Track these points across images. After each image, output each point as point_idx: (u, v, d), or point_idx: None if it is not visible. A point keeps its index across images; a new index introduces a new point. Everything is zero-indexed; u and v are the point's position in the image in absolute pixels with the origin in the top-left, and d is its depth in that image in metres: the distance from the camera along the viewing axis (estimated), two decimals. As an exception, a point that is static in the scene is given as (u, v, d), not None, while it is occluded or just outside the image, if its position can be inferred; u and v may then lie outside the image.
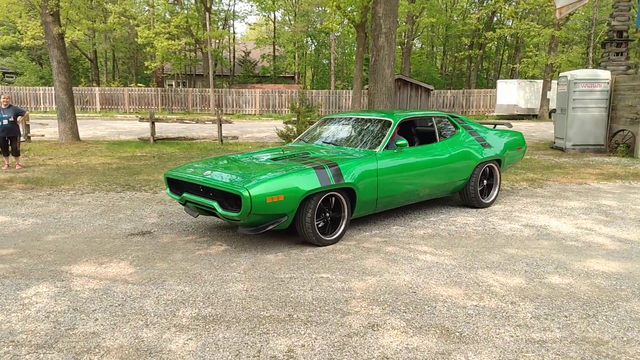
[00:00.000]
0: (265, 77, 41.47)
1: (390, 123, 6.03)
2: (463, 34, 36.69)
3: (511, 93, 30.48)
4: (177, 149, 13.87)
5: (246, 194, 4.60)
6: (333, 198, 5.17)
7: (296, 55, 41.21)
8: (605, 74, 13.25)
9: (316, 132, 6.83)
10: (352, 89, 34.52)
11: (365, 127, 6.31)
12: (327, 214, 5.23)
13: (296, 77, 42.56)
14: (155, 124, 17.52)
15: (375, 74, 11.47)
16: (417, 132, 7.36)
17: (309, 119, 14.33)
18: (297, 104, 14.57)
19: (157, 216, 6.51)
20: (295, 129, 14.30)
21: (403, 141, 5.70)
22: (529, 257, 4.82)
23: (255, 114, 32.50)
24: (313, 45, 44.27)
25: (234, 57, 40.93)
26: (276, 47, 41.02)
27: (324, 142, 6.36)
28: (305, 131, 7.00)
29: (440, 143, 6.39)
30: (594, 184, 8.81)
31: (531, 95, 30.56)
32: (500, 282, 4.14)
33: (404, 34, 34.77)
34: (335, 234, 5.27)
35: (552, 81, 30.43)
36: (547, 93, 29.34)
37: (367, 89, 14.75)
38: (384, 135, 5.87)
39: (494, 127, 7.50)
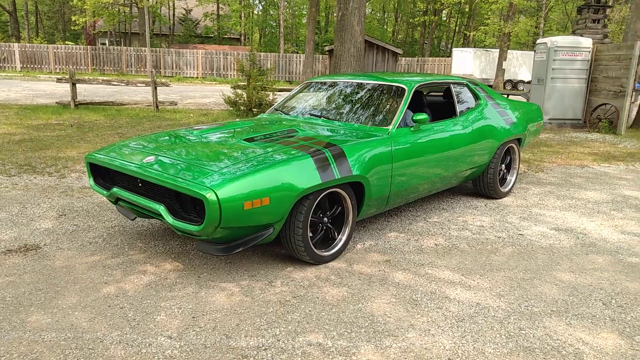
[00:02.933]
0: (208, 37, 38.42)
1: (403, 90, 4.35)
2: (418, -1, 35.16)
3: (467, 62, 29.52)
4: (103, 116, 11.60)
5: (212, 196, 2.86)
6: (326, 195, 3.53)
7: (242, 15, 38.32)
8: (587, 42, 12.12)
9: (299, 101, 5.04)
10: (303, 53, 32.43)
11: (369, 96, 4.60)
12: (324, 219, 3.58)
13: (242, 38, 39.76)
14: (78, 85, 14.96)
15: (342, 31, 9.69)
16: (429, 103, 5.74)
17: (260, 83, 12.38)
18: (248, 66, 12.55)
19: (56, 216, 4.57)
20: (244, 95, 12.33)
21: (423, 116, 4.05)
22: (595, 287, 3.38)
23: (197, 77, 29.81)
24: (260, 5, 41.42)
25: (173, 14, 37.49)
26: (220, 5, 37.90)
27: (311, 115, 4.59)
28: (283, 99, 5.19)
29: (461, 117, 4.82)
30: (597, 167, 7.61)
31: (486, 65, 29.74)
32: (590, 346, 2.65)
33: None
34: (333, 248, 3.66)
35: (508, 51, 29.67)
36: (503, 63, 28.59)
37: (327, 52, 12.97)
38: (397, 107, 4.21)
39: (507, 97, 6.01)
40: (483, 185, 5.37)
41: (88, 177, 3.97)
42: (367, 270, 3.55)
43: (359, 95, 4.65)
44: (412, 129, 4.14)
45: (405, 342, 2.64)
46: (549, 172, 7.17)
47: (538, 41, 13.02)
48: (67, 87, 19.01)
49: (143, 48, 29.57)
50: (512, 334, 2.76)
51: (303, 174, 3.27)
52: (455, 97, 4.95)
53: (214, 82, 28.21)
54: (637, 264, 3.83)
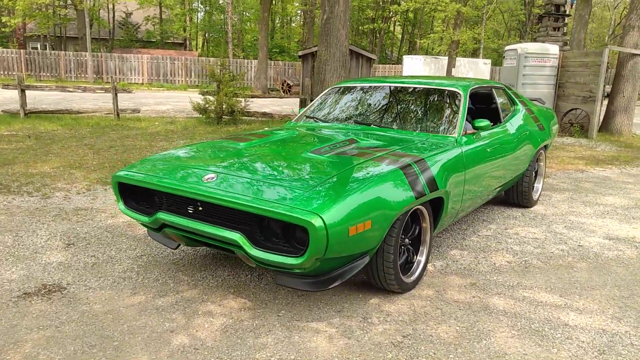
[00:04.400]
0: (150, 42, 36.80)
1: (458, 95, 4.00)
2: (368, 6, 35.46)
3: (417, 69, 29.98)
4: (59, 126, 10.52)
5: (318, 222, 2.37)
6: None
7: (187, 19, 37.04)
8: (554, 49, 12.45)
9: (333, 107, 4.56)
10: (254, 58, 31.72)
11: (420, 101, 4.22)
12: (406, 240, 3.16)
13: (187, 43, 38.45)
14: (27, 92, 13.65)
15: (327, 35, 9.31)
16: (475, 109, 5.47)
17: (232, 89, 11.74)
18: (218, 71, 11.87)
19: (64, 246, 3.86)
20: (215, 102, 11.63)
21: (484, 122, 3.75)
22: (701, 303, 3.18)
23: (143, 83, 28.36)
24: (203, 11, 40.24)
25: (113, 18, 35.59)
26: (163, 9, 36.44)
27: (357, 122, 4.14)
28: (313, 104, 4.70)
29: (506, 123, 4.56)
30: (595, 172, 7.68)
31: (436, 71, 30.35)
32: None
33: (308, 1, 32.59)
34: (414, 272, 3.27)
35: (457, 58, 30.51)
36: (452, 70, 29.29)
37: (300, 57, 12.55)
38: (457, 113, 3.86)
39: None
40: (517, 193, 5.15)
41: (117, 200, 3.34)
42: (461, 297, 3.17)
43: (406, 101, 4.28)
44: (474, 136, 3.82)
45: (566, 387, 2.28)
46: (555, 178, 7.12)
47: (507, 48, 13.25)
48: (4, 93, 17.40)
49: (83, 53, 27.77)
50: (669, 367, 2.47)
51: (398, 191, 2.86)
52: (497, 102, 4.69)
53: (161, 89, 26.94)
54: None
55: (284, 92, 26.35)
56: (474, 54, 36.96)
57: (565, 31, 14.53)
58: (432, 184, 3.14)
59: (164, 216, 3.00)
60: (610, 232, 4.61)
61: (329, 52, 9.37)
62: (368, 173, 2.85)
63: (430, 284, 3.35)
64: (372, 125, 4.02)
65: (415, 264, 3.31)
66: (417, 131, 3.84)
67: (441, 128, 3.81)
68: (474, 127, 3.81)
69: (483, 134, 4.01)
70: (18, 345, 2.51)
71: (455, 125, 3.78)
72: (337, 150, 3.29)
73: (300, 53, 12.55)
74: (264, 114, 12.35)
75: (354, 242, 2.59)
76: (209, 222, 2.82)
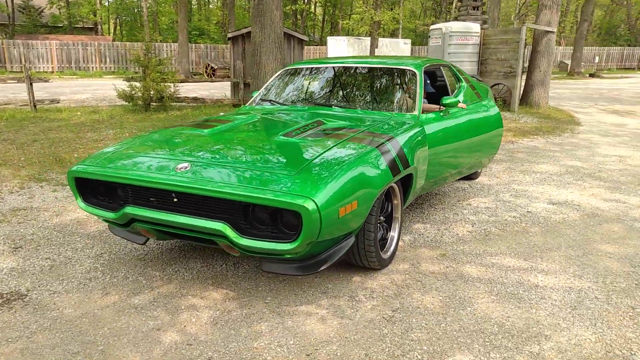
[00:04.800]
0: (57, 27, 34.13)
1: (414, 74, 4.06)
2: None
3: (341, 50, 30.24)
4: (-32, 121, 9.56)
5: (311, 205, 2.33)
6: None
7: (97, 2, 34.71)
8: (476, 27, 13.03)
9: (289, 89, 4.47)
10: (173, 41, 30.38)
11: (375, 81, 4.23)
12: (381, 217, 3.20)
13: (98, 27, 36.10)
14: None
15: (261, 16, 9.13)
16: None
17: (159, 75, 11.22)
18: (143, 55, 11.27)
19: (11, 250, 3.54)
20: (142, 88, 11.05)
21: (452, 99, 3.82)
22: (643, 256, 3.53)
23: (53, 72, 26.36)
24: (115, -8, 37.87)
25: (12, 1, 32.59)
26: (68, -10, 33.87)
27: (318, 104, 4.10)
28: (267, 87, 4.56)
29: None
30: (523, 142, 8.20)
31: (360, 52, 30.78)
32: None
33: (227, -18, 31.58)
34: (389, 248, 3.33)
35: (379, 39, 31.08)
36: (375, 50, 29.84)
37: (230, 39, 12.15)
38: (415, 91, 3.91)
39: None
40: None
41: (75, 197, 3.09)
42: (435, 268, 3.28)
43: (363, 81, 4.30)
44: (441, 113, 3.92)
45: (551, 342, 2.44)
46: (490, 150, 7.51)
47: (432, 27, 13.68)
48: None
49: (-20, 39, 25.24)
50: (628, 313, 2.71)
51: (378, 170, 2.90)
52: (445, 79, 4.84)
53: (74, 76, 25.19)
54: (647, 229, 4.10)
55: (208, 76, 25.58)
56: (393, 34, 37.82)
57: (484, 10, 15.23)
58: (405, 161, 3.20)
59: (133, 210, 2.83)
60: (551, 198, 4.95)
61: (264, 33, 9.18)
62: (348, 154, 2.85)
63: (403, 258, 3.44)
64: (332, 106, 4.01)
65: (389, 240, 3.38)
66: (379, 110, 3.88)
67: (402, 107, 3.87)
68: (443, 104, 3.87)
69: (453, 111, 4.07)
70: (-12, 361, 2.29)
71: (415, 104, 3.85)
72: (308, 132, 3.25)
73: (229, 35, 12.17)
74: (195, 100, 11.95)
75: (343, 223, 2.59)
76: (186, 213, 2.70)
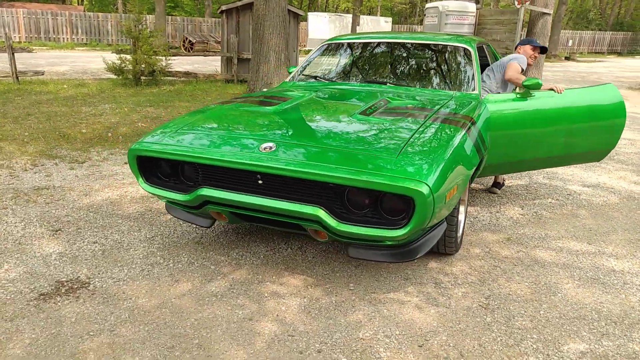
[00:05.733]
0: (21, -6, 32.31)
1: (468, 51, 3.91)
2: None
3: (322, 26, 29.80)
4: (-52, 92, 8.94)
5: (426, 190, 2.21)
6: None
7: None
8: (472, 7, 12.95)
9: (337, 63, 4.26)
10: (148, 13, 29.17)
11: (429, 58, 4.07)
12: None
13: (66, -4, 34.35)
14: None
15: (265, -12, 8.77)
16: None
17: (150, 47, 10.72)
18: (134, 27, 10.74)
19: (51, 234, 3.29)
20: (134, 61, 10.55)
21: (534, 80, 3.60)
22: (700, 239, 3.55)
23: (20, 42, 25.01)
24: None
25: (-30, -37, 30.52)
26: (33, -46, 31.96)
27: (369, 81, 3.91)
28: (308, 62, 4.33)
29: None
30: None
31: (341, 29, 30.40)
32: None
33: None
34: (458, 233, 3.20)
35: (360, 16, 30.71)
36: (357, 28, 29.51)
37: (223, 12, 11.68)
38: (471, 70, 3.78)
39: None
40: None
41: (137, 177, 2.86)
42: (507, 253, 3.22)
43: (414, 57, 4.14)
44: (518, 95, 3.71)
45: (658, 329, 2.41)
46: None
47: (427, 5, 13.53)
48: None
49: (-60, 4, 23.61)
50: None
51: (470, 153, 2.79)
52: (488, 58, 4.73)
53: (44, 47, 23.99)
54: (689, 212, 4.14)
55: (185, 49, 24.81)
56: (371, 12, 37.48)
57: (476, -11, 15.14)
58: (484, 143, 3.10)
59: (209, 192, 2.62)
60: (583, 180, 4.96)
61: (268, 6, 8.83)
62: (442, 136, 2.70)
63: (471, 243, 3.36)
64: (387, 84, 3.84)
65: (459, 223, 3.28)
66: (438, 89, 3.74)
67: (462, 86, 3.74)
68: (524, 86, 3.69)
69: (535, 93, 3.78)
70: (78, 358, 2.09)
71: (474, 82, 3.72)
72: (381, 111, 3.09)
73: (223, 8, 11.70)
74: (187, 74, 11.52)
75: (447, 208, 2.47)
76: (273, 196, 2.52)
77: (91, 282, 2.69)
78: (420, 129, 2.73)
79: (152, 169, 2.90)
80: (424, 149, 2.49)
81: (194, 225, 3.47)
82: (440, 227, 2.66)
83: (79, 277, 2.74)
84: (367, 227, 2.36)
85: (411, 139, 2.58)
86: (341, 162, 2.39)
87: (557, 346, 2.25)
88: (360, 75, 4.07)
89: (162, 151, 2.71)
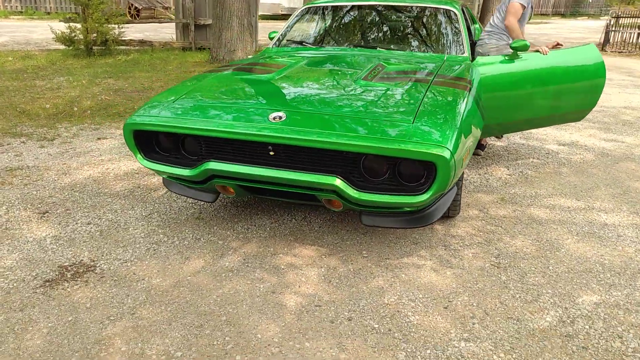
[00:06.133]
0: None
1: (455, 14, 3.91)
2: None
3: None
4: None
5: (448, 154, 2.22)
6: None
7: None
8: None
9: (320, 28, 4.15)
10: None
11: (415, 21, 4.03)
12: None
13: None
14: None
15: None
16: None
17: (101, 15, 10.11)
18: (82, -8, 10.05)
19: (40, 215, 3.11)
20: (83, 30, 9.93)
21: (522, 42, 3.60)
22: (674, 191, 3.77)
23: (-55, 11, 22.99)
24: None
25: None
26: None
27: (358, 46, 3.84)
28: (289, 28, 4.20)
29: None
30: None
31: (293, -8, 29.67)
32: None
33: None
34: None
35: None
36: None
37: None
38: (458, 32, 3.79)
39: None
40: None
41: (134, 152, 2.72)
42: (504, 213, 3.31)
43: (400, 21, 4.09)
44: (506, 58, 3.73)
45: (658, 277, 2.57)
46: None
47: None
48: None
49: None
50: None
51: (478, 117, 2.83)
52: (468, 20, 4.74)
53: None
54: (659, 166, 4.38)
55: (131, 16, 23.59)
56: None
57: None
58: (483, 106, 3.13)
59: (217, 166, 2.54)
60: (557, 139, 5.14)
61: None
62: (451, 99, 2.69)
63: (468, 204, 3.43)
64: (377, 48, 3.79)
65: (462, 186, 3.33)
66: (428, 52, 3.72)
67: (452, 48, 3.74)
68: (512, 48, 3.69)
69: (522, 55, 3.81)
70: (104, 345, 2.01)
71: (464, 45, 3.73)
72: (381, 76, 3.05)
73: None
74: (142, 43, 11.01)
75: (461, 171, 2.50)
76: (288, 168, 2.46)
77: (97, 265, 2.57)
78: (428, 93, 2.72)
79: (151, 143, 2.76)
80: (437, 113, 2.49)
81: (191, 201, 3.36)
82: (452, 191, 2.69)
83: (82, 260, 2.62)
84: (388, 195, 2.35)
85: (421, 104, 2.56)
86: (358, 130, 2.35)
87: (572, 299, 2.36)
88: (347, 40, 3.98)
89: (163, 124, 2.59)
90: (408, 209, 2.50)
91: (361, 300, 2.32)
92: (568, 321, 2.20)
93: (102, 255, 2.67)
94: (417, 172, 2.38)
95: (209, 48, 10.99)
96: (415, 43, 3.86)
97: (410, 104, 2.57)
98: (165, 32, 15.27)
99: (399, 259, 2.68)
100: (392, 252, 2.75)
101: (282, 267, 2.59)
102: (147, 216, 3.15)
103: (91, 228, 2.98)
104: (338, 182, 2.37)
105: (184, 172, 2.64)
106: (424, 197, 2.31)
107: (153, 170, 2.74)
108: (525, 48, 3.58)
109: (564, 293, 2.41)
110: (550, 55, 3.73)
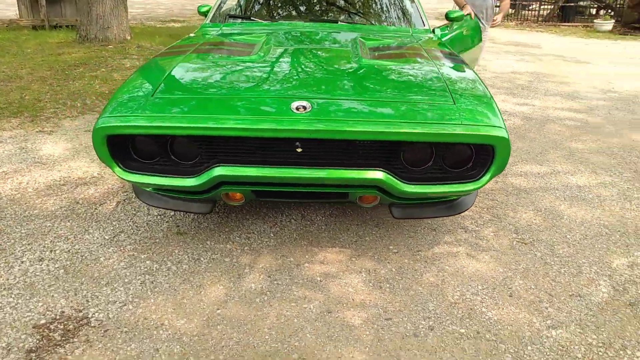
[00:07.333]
0: None
1: None
2: None
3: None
4: None
5: (506, 134, 2.07)
6: None
7: None
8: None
9: (265, 3, 3.67)
10: None
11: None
12: None
13: None
14: None
15: None
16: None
17: None
18: None
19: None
20: None
21: (458, 13, 3.68)
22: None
23: None
24: None
25: None
26: None
27: (320, 21, 3.48)
28: (220, 3, 3.66)
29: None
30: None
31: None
32: None
33: None
34: None
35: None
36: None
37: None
38: (415, 6, 3.71)
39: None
40: None
41: (110, 165, 2.10)
42: (489, 185, 3.32)
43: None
44: (446, 27, 3.77)
45: (655, 232, 2.76)
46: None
47: None
48: None
49: None
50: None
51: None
52: None
53: None
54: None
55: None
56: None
57: None
58: None
59: (230, 171, 2.09)
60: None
61: None
62: (466, 75, 2.55)
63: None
64: (339, 22, 3.48)
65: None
66: (392, 26, 3.54)
67: (412, 21, 3.60)
68: (449, 18, 3.72)
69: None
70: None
71: (422, 17, 3.63)
72: (378, 53, 2.80)
73: None
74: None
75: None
76: (319, 165, 2.11)
77: (88, 315, 1.98)
78: (441, 70, 2.54)
79: (127, 150, 2.18)
80: (468, 91, 2.33)
81: (158, 212, 2.80)
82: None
83: (63, 311, 2.00)
84: (441, 185, 2.15)
85: (447, 82, 2.38)
86: (402, 116, 2.09)
87: (607, 265, 2.42)
88: (305, 14, 3.61)
89: (151, 125, 2.05)
90: (453, 197, 2.33)
91: (428, 304, 2.10)
92: (621, 289, 2.24)
93: (87, 301, 2.07)
94: (463, 157, 2.20)
95: (70, 26, 9.52)
96: (376, 16, 3.64)
97: (435, 83, 2.37)
98: (2, 6, 12.88)
99: (430, 250, 2.51)
100: (419, 243, 2.57)
101: (318, 278, 2.26)
102: (113, 240, 2.54)
103: (48, 266, 2.30)
104: (382, 175, 2.10)
105: (186, 182, 2.13)
106: (481, 182, 2.15)
107: (136, 183, 2.18)
108: (461, 17, 3.73)
109: (597, 261, 2.46)
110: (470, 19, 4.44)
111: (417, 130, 2.01)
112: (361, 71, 2.49)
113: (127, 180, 2.17)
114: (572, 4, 14.30)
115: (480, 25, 4.68)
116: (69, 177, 3.25)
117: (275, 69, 2.51)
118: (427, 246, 2.54)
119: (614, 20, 12.96)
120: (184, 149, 2.18)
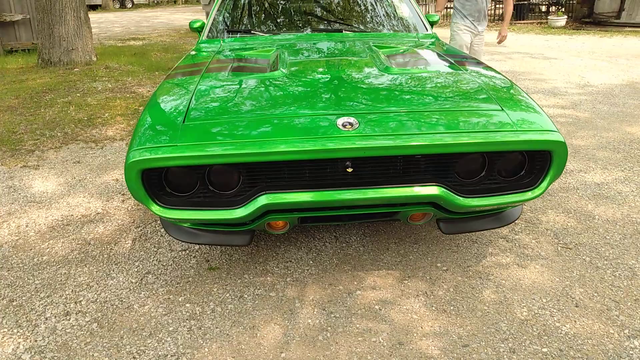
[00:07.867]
0: None
1: None
2: None
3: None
4: None
5: (562, 138, 2.03)
6: None
7: None
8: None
9: (263, 12, 3.52)
10: None
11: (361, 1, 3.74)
12: None
13: None
14: None
15: None
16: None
17: None
18: None
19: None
20: None
21: (436, 17, 3.72)
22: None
23: None
24: None
25: None
26: None
27: (326, 31, 3.38)
28: (214, 14, 3.48)
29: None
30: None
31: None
32: None
33: None
34: None
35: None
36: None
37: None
38: (412, 8, 3.70)
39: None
40: None
41: (146, 203, 1.90)
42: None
43: (352, 1, 3.75)
44: (432, 32, 3.71)
45: (688, 225, 2.77)
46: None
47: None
48: None
49: None
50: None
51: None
52: None
53: None
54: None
55: None
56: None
57: None
58: None
59: (279, 198, 1.94)
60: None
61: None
62: (498, 79, 2.49)
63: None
64: (343, 32, 3.38)
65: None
66: (397, 32, 3.48)
67: (414, 26, 3.54)
68: (431, 22, 3.71)
69: None
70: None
71: (422, 21, 3.58)
72: (398, 61, 2.71)
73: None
74: None
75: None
76: (370, 185, 2.00)
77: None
78: (472, 75, 2.48)
79: (161, 185, 2.00)
80: (512, 97, 2.26)
81: (182, 246, 2.60)
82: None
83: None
84: (499, 196, 2.06)
85: (486, 88, 2.31)
86: (454, 127, 1.99)
87: (656, 265, 2.40)
88: (302, 25, 3.49)
89: (192, 156, 1.87)
90: (509, 208, 2.25)
91: (499, 324, 2.01)
92: (680, 289, 2.21)
93: (134, 358, 1.86)
94: (515, 165, 2.13)
95: (27, 50, 9.04)
96: (381, 23, 3.57)
97: (475, 90, 2.30)
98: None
99: (479, 263, 2.43)
100: (465, 258, 2.48)
101: (376, 307, 2.12)
102: (142, 283, 2.33)
103: (78, 320, 2.07)
104: (438, 190, 2.00)
105: (234, 214, 1.97)
106: (539, 189, 2.08)
107: (177, 220, 1.99)
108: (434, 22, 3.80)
109: (645, 260, 2.43)
110: None
111: (476, 140, 1.92)
112: (395, 81, 2.39)
113: (166, 218, 1.98)
114: (525, 2, 14.77)
115: (472, 28, 4.67)
116: (71, 215, 3.00)
117: (304, 84, 2.37)
118: (475, 260, 2.46)
119: (566, 16, 13.46)
120: (222, 177, 2.01)
